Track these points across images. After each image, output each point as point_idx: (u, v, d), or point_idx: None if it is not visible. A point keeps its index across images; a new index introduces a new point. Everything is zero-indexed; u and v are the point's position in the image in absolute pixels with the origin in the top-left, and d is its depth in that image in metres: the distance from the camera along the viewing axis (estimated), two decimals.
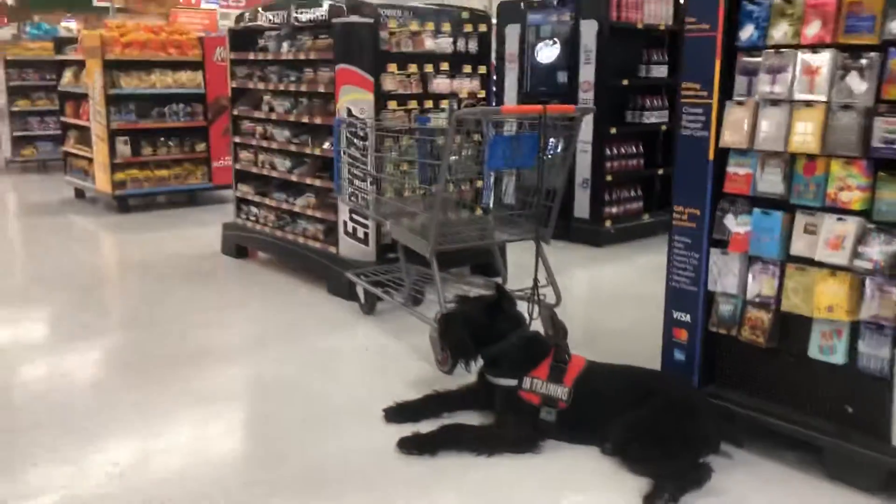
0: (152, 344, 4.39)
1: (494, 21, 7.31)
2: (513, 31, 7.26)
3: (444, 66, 5.25)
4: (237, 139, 6.20)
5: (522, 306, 3.75)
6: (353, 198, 4.88)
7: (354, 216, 5.09)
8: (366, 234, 5.10)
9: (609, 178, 6.81)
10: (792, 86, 2.84)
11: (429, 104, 5.18)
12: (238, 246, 6.25)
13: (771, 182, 2.95)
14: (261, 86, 5.83)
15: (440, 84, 5.24)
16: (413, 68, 5.13)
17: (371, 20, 4.93)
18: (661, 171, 7.22)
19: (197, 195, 8.69)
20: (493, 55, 7.25)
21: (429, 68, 5.19)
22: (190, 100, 8.37)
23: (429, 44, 5.19)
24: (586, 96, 6.67)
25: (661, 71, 6.99)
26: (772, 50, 2.90)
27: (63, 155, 9.39)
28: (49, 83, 10.64)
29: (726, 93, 3.04)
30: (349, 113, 4.93)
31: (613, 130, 6.74)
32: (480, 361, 3.46)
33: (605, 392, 3.20)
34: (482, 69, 5.49)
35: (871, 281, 2.73)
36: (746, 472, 2.99)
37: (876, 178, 2.70)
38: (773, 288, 2.99)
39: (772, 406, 3.08)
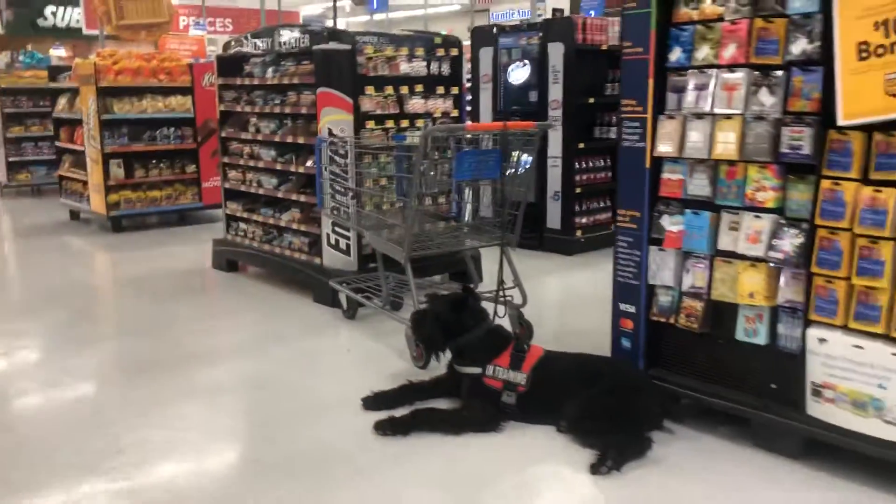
0: (148, 350, 4.73)
1: (468, 44, 7.74)
2: (486, 54, 7.68)
3: (419, 87, 5.65)
4: (226, 159, 6.58)
5: (492, 307, 4.12)
6: (335, 211, 5.25)
7: (337, 229, 5.46)
8: (348, 246, 5.46)
9: (579, 190, 7.20)
10: (713, 101, 3.24)
11: (405, 123, 5.56)
12: (228, 260, 6.60)
13: (699, 186, 3.35)
14: (247, 109, 6.22)
15: (415, 104, 5.63)
16: (389, 90, 5.52)
17: (349, 47, 5.33)
18: None
19: (188, 215, 9.05)
20: (469, 77, 7.68)
21: (404, 90, 5.58)
22: (180, 123, 8.74)
23: (404, 67, 5.58)
24: (555, 114, 7.08)
25: None
26: (696, 69, 3.30)
27: (58, 178, 9.73)
28: (42, 110, 11.01)
29: (659, 108, 3.44)
30: (330, 133, 5.31)
31: (582, 145, 7.15)
32: (450, 354, 3.83)
33: (559, 377, 3.56)
34: (455, 90, 5.88)
35: (785, 269, 3.12)
36: (685, 444, 3.36)
37: (786, 181, 3.10)
38: (704, 279, 3.37)
39: (707, 385, 3.45)
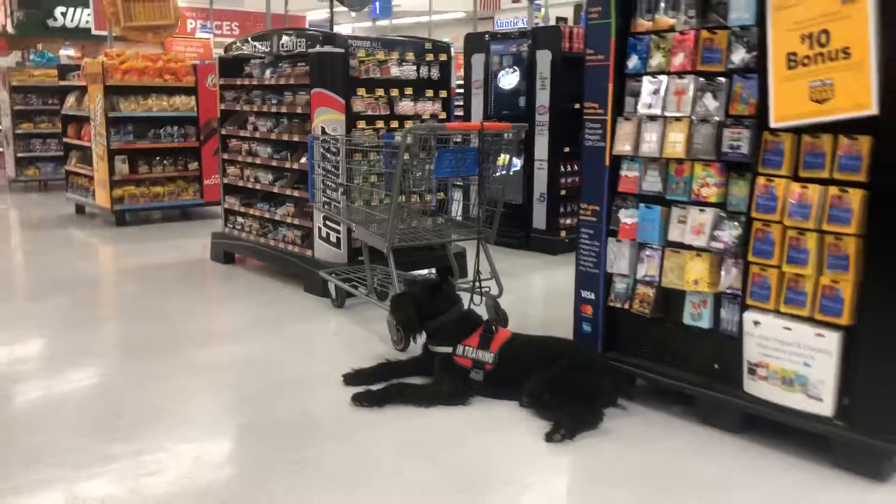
0: (148, 331, 5.05)
1: (462, 51, 8.07)
2: (478, 60, 8.00)
3: (409, 90, 5.97)
4: (225, 156, 6.91)
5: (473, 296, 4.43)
6: (326, 206, 5.56)
7: (328, 223, 5.77)
8: (338, 239, 5.78)
9: (563, 192, 7.51)
10: (664, 104, 3.55)
11: (395, 124, 5.88)
12: (225, 252, 6.92)
13: (652, 182, 3.65)
14: (246, 108, 6.55)
15: (405, 106, 5.95)
16: (380, 92, 5.84)
17: (342, 50, 5.66)
18: None
19: (189, 211, 9.38)
20: (461, 82, 8.00)
21: (395, 92, 5.91)
22: (184, 122, 9.08)
23: (394, 71, 5.91)
24: (542, 119, 7.40)
25: None
26: (650, 75, 3.61)
27: (65, 174, 10.07)
28: (51, 107, 11.35)
29: (618, 110, 3.75)
30: (323, 131, 5.63)
31: (567, 149, 7.46)
32: (425, 336, 4.14)
33: (523, 356, 3.87)
34: (443, 93, 6.20)
35: (726, 258, 3.42)
36: (635, 419, 3.66)
37: (728, 178, 3.41)
38: (655, 268, 3.68)
39: (658, 366, 3.75)
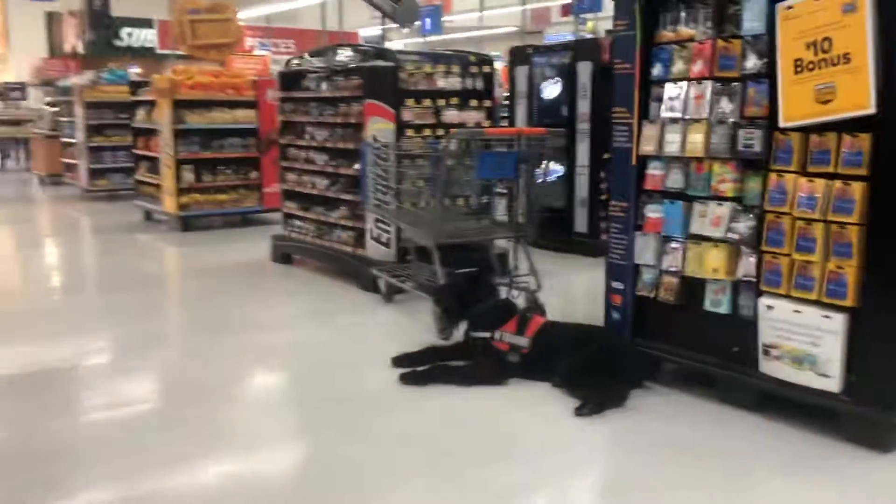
0: (214, 320, 5.52)
1: (506, 63, 8.44)
2: (522, 72, 8.36)
3: (454, 100, 6.36)
4: (284, 164, 7.38)
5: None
6: (377, 207, 5.97)
7: (379, 224, 6.18)
8: (388, 239, 6.18)
9: (604, 196, 7.79)
10: (685, 108, 3.87)
11: (441, 132, 6.27)
12: (284, 253, 7.38)
13: (675, 179, 3.96)
14: (304, 119, 7.02)
15: (450, 116, 6.34)
16: (427, 102, 6.24)
17: (392, 64, 6.08)
18: None
19: (250, 217, 9.91)
20: (505, 93, 8.37)
21: (441, 102, 6.31)
22: (245, 134, 9.61)
23: (441, 82, 6.31)
24: (583, 126, 7.71)
25: None
26: (672, 82, 3.93)
27: (134, 183, 10.71)
28: (121, 121, 12.02)
29: (643, 114, 4.07)
30: (374, 139, 6.05)
31: (607, 155, 7.73)
32: (466, 324, 4.50)
33: (557, 341, 4.20)
34: (487, 103, 6.58)
35: (743, 248, 3.71)
36: (660, 398, 3.96)
37: (743, 174, 3.71)
38: (678, 259, 3.98)
39: (682, 350, 4.04)
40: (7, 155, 18.94)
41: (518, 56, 8.46)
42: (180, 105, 9.18)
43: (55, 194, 13.43)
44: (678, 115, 3.90)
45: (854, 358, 3.36)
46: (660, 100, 4.00)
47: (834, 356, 3.39)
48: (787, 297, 3.54)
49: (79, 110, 12.26)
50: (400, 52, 6.21)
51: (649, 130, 4.04)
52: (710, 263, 3.82)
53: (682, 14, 3.90)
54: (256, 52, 22.35)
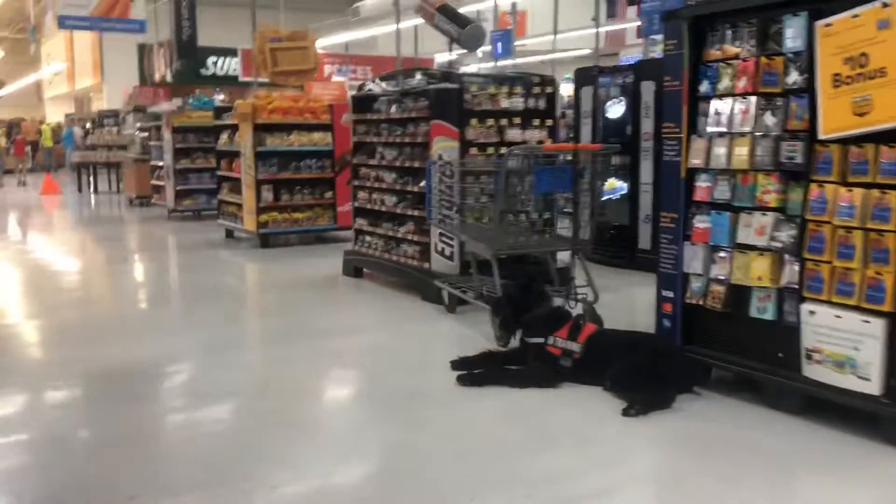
0: (290, 327, 5.90)
1: (573, 85, 8.66)
2: (587, 93, 8.58)
3: (517, 120, 6.62)
4: (356, 182, 7.77)
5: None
6: (441, 222, 6.26)
7: (443, 238, 6.47)
8: (451, 253, 6.46)
9: None
10: (731, 122, 4.04)
11: (504, 150, 6.53)
12: (355, 267, 7.75)
13: (722, 191, 4.13)
14: (375, 139, 7.39)
15: (514, 134, 6.59)
16: (491, 122, 6.52)
17: (457, 86, 6.40)
18: None
19: (324, 235, 10.36)
20: (571, 113, 8.58)
21: (504, 122, 6.58)
22: (321, 155, 10.09)
23: (504, 103, 6.59)
24: (647, 145, 7.87)
25: None
26: (718, 98, 4.11)
27: (217, 203, 11.31)
28: (205, 145, 12.71)
29: (692, 129, 4.26)
30: (440, 157, 6.35)
31: None
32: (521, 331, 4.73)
33: (608, 347, 4.39)
34: (549, 122, 6.82)
35: (786, 256, 3.85)
36: (707, 403, 4.11)
37: (786, 185, 3.85)
38: (725, 267, 4.13)
39: (729, 356, 4.18)
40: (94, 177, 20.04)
41: (583, 77, 8.69)
42: (261, 129, 9.71)
43: (143, 214, 14.22)
44: (724, 129, 4.07)
45: (893, 361, 3.46)
46: (707, 115, 4.19)
47: (874, 360, 3.50)
48: (829, 302, 3.66)
49: (167, 135, 13.01)
50: (465, 74, 6.53)
51: (697, 144, 4.22)
52: (756, 271, 3.96)
53: (728, 33, 4.08)
54: (335, 79, 23.13)
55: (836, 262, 3.61)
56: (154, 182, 14.53)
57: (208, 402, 4.29)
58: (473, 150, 6.42)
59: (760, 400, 4.01)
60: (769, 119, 3.88)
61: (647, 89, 7.83)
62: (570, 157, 5.46)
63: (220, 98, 15.52)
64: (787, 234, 3.81)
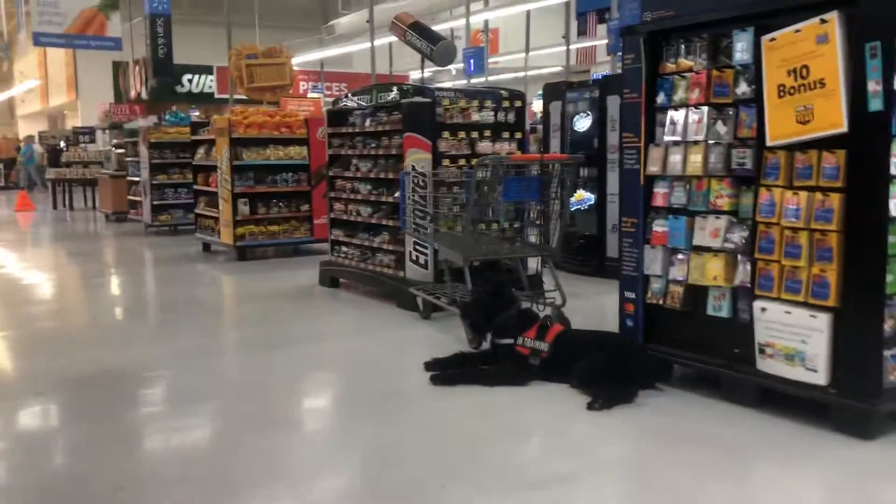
0: (268, 335, 6.04)
1: (539, 93, 8.91)
2: (556, 107, 8.83)
3: (487, 132, 6.84)
4: (332, 194, 7.94)
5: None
6: (415, 231, 6.45)
7: (417, 247, 6.66)
8: (426, 261, 6.65)
9: None
10: (686, 131, 4.28)
11: (475, 162, 6.74)
12: (332, 277, 7.91)
13: (678, 196, 4.36)
14: (350, 152, 7.58)
15: (484, 147, 6.81)
16: (462, 135, 6.74)
17: (430, 100, 6.61)
18: None
19: (301, 247, 10.51)
20: (540, 127, 8.82)
21: (475, 135, 6.80)
22: (297, 169, 10.25)
23: (475, 116, 6.81)
24: (613, 157, 8.11)
25: None
26: (674, 108, 4.35)
27: (194, 217, 11.42)
28: (182, 160, 12.83)
29: (650, 138, 4.49)
30: (413, 169, 6.56)
31: None
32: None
33: (574, 346, 4.59)
34: (518, 135, 7.05)
35: (740, 256, 4.09)
36: (668, 397, 4.32)
37: (738, 189, 4.09)
38: (683, 269, 4.36)
39: (688, 353, 4.39)
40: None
41: (552, 92, 8.95)
42: (237, 143, 9.86)
43: (119, 230, 14.27)
44: (679, 138, 4.31)
45: (838, 353, 3.69)
46: (663, 125, 4.42)
47: (820, 352, 3.73)
48: (779, 299, 3.89)
49: (143, 150, 13.11)
50: (437, 88, 6.73)
51: (654, 153, 4.45)
52: (711, 272, 4.19)
53: (682, 48, 4.33)
54: (310, 95, 23.32)
55: (784, 261, 3.84)
56: (130, 197, 14.60)
57: (187, 405, 4.42)
58: (446, 162, 6.63)
59: (719, 394, 4.23)
60: (721, 128, 4.13)
61: (613, 103, 8.09)
62: (538, 168, 5.69)
63: (195, 115, 15.67)
64: (739, 236, 4.04)
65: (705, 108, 4.19)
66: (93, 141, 21.12)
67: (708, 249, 4.22)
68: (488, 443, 3.73)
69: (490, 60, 21.24)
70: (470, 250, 5.63)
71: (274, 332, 6.15)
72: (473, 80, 21.17)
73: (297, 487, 3.34)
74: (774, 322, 3.90)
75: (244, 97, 12.52)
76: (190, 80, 25.38)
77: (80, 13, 15.00)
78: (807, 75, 3.68)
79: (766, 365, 3.96)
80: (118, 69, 22.73)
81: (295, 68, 12.91)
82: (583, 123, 8.51)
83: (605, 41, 20.02)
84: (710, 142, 4.17)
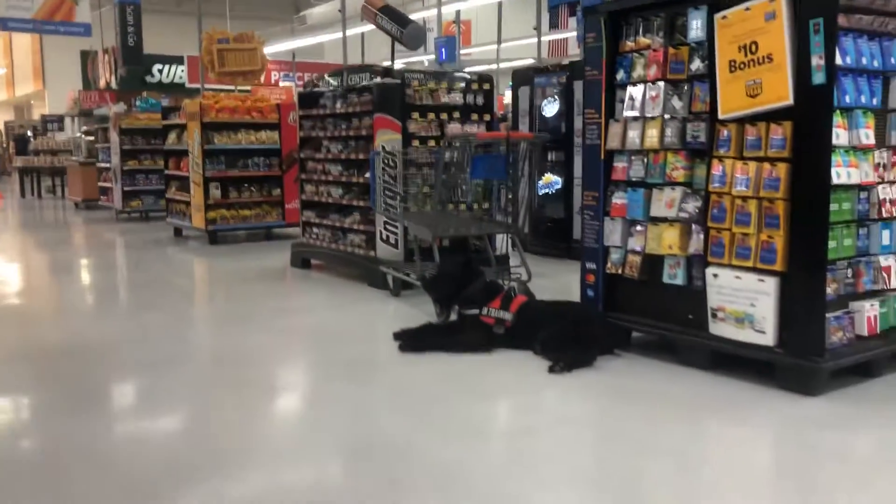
0: (242, 310, 6.16)
1: (510, 84, 9.08)
2: (524, 92, 9.00)
3: (456, 114, 7.00)
4: (303, 176, 8.05)
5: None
6: (385, 211, 6.59)
7: (388, 226, 6.79)
8: (396, 241, 6.79)
9: None
10: (643, 107, 4.46)
11: (443, 141, 6.89)
12: (303, 259, 8.02)
13: (637, 170, 4.55)
14: (321, 133, 7.69)
15: (453, 128, 6.96)
16: (432, 116, 6.88)
17: (399, 81, 6.74)
18: None
19: (272, 231, 10.60)
20: (510, 115, 8.99)
21: (444, 116, 6.94)
22: (268, 154, 10.34)
23: (444, 98, 6.95)
24: (580, 141, 8.29)
25: None
26: (632, 85, 4.53)
27: (165, 202, 11.45)
28: (153, 147, 12.84)
29: (610, 114, 4.67)
30: (384, 149, 6.69)
31: None
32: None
33: (537, 315, 4.77)
34: (487, 117, 7.21)
35: (694, 226, 4.28)
36: (626, 362, 4.52)
37: (692, 162, 4.29)
38: (641, 239, 4.55)
39: (646, 319, 4.59)
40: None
41: (520, 77, 9.12)
42: (209, 127, 9.92)
43: (90, 217, 14.23)
44: (637, 113, 4.49)
45: (785, 315, 3.90)
46: (623, 101, 4.60)
47: (768, 314, 3.93)
48: (730, 265, 4.09)
49: (114, 136, 13.09)
50: (407, 70, 6.87)
51: (614, 128, 4.63)
52: (667, 241, 4.38)
53: (640, 26, 4.51)
54: (282, 84, 23.30)
55: (735, 229, 4.04)
56: (101, 184, 14.55)
57: (163, 369, 4.53)
58: (415, 143, 6.77)
59: (674, 359, 4.43)
60: (676, 103, 4.32)
61: (580, 89, 8.24)
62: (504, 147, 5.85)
63: (166, 102, 15.64)
64: (693, 206, 4.24)
65: (662, 84, 4.38)
66: (61, 129, 20.92)
67: (664, 220, 4.41)
68: (453, 401, 3.89)
69: (462, 52, 21.36)
70: (438, 227, 5.78)
71: (245, 307, 6.26)
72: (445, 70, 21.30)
73: (274, 439, 3.48)
74: (725, 287, 4.10)
75: (215, 87, 12.55)
76: (160, 71, 25.16)
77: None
78: (756, 51, 3.87)
79: (717, 328, 4.16)
80: (87, 58, 22.52)
81: (266, 57, 12.94)
82: (551, 108, 8.68)
83: (575, 32, 20.31)
84: (667, 116, 4.35)
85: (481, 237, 6.32)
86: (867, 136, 3.95)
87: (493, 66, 21.75)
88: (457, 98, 7.03)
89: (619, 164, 4.64)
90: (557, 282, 7.24)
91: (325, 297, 6.73)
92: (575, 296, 7.16)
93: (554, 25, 24.83)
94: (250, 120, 10.23)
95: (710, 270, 4.17)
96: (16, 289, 7.64)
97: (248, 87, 12.23)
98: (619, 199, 4.63)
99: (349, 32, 14.50)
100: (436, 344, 4.73)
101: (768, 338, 3.95)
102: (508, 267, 5.83)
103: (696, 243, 4.28)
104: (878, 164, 4.07)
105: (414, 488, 2.95)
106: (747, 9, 3.91)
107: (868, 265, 4.10)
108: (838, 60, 3.74)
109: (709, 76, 4.13)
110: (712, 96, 4.11)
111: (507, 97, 19.68)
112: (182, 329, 5.59)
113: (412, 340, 4.77)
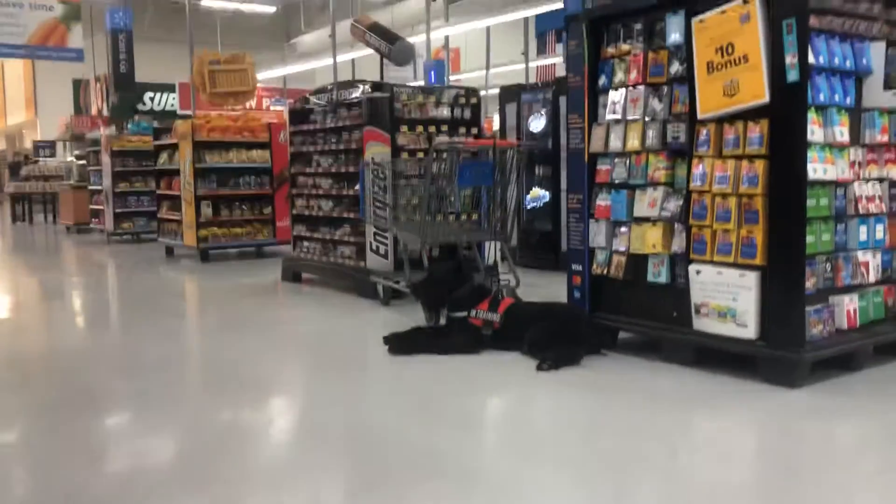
0: (236, 321, 6.21)
1: (497, 101, 9.23)
2: (511, 109, 9.14)
3: (444, 127, 7.11)
4: (294, 190, 8.14)
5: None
6: (375, 221, 6.67)
7: (377, 237, 6.87)
8: (385, 251, 6.86)
9: None
10: (625, 110, 4.58)
11: (432, 145, 6.98)
12: (294, 272, 8.08)
13: (620, 172, 4.65)
14: (311, 148, 7.79)
15: (441, 138, 7.07)
16: (420, 129, 6.99)
17: (388, 95, 6.86)
18: None
19: (263, 249, 10.66)
20: (496, 126, 9.11)
21: (432, 129, 7.05)
22: (259, 172, 10.43)
23: (432, 111, 7.07)
24: (566, 154, 8.42)
25: None
26: (614, 90, 4.65)
27: (157, 222, 11.51)
28: (144, 168, 12.91)
29: (593, 118, 4.78)
30: (373, 160, 6.79)
31: None
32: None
33: (524, 316, 4.84)
34: (474, 130, 7.32)
35: (676, 225, 4.37)
36: (612, 360, 4.58)
37: (673, 162, 4.39)
38: (626, 239, 4.64)
39: (631, 318, 4.67)
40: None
41: (507, 94, 9.26)
42: (200, 146, 10.02)
43: (81, 240, 14.26)
44: (619, 116, 4.61)
45: (766, 309, 3.98)
46: (605, 105, 4.72)
47: (749, 308, 4.01)
48: (711, 262, 4.18)
49: (105, 159, 13.17)
50: (395, 84, 6.99)
51: (597, 132, 4.74)
52: (650, 240, 4.47)
53: (621, 33, 4.64)
54: (272, 109, 23.49)
55: (716, 226, 4.14)
56: (93, 207, 14.59)
57: (153, 371, 4.57)
58: (404, 155, 6.87)
59: (659, 356, 4.50)
60: (657, 105, 4.43)
61: (566, 103, 8.40)
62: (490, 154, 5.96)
63: (157, 125, 15.75)
64: (674, 205, 4.34)
65: (642, 88, 4.49)
66: (53, 155, 21.00)
67: (647, 220, 4.50)
68: (443, 398, 3.95)
69: (452, 78, 21.60)
70: (427, 236, 5.85)
71: (238, 318, 6.31)
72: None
73: (272, 432, 3.53)
74: (707, 283, 4.18)
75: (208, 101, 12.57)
76: (152, 99, 25.35)
77: (39, 25, 15.01)
78: (732, 52, 3.99)
79: (701, 324, 4.24)
80: (79, 86, 22.67)
81: (257, 85, 13.06)
82: (537, 123, 8.81)
83: (562, 57, 20.57)
84: (648, 119, 4.46)
85: (470, 245, 6.40)
86: (842, 133, 4.06)
87: (483, 93, 22.07)
88: (444, 112, 7.14)
89: (603, 167, 4.74)
90: (545, 290, 7.27)
91: (316, 308, 6.79)
92: (561, 301, 7.31)
93: (541, 52, 25.20)
94: (242, 139, 10.33)
95: (692, 267, 4.26)
96: (2, 308, 7.67)
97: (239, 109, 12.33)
98: (603, 200, 4.73)
99: (339, 59, 14.66)
100: (425, 346, 4.79)
101: (750, 331, 4.02)
102: (497, 273, 5.90)
103: (678, 241, 4.37)
104: (854, 161, 4.18)
105: (409, 469, 3.00)
106: (723, 12, 4.04)
107: (847, 260, 4.19)
108: (811, 59, 3.86)
109: (688, 78, 4.25)
110: (691, 98, 4.23)
111: (496, 121, 19.92)
112: (175, 338, 5.63)
113: (401, 343, 4.83)
